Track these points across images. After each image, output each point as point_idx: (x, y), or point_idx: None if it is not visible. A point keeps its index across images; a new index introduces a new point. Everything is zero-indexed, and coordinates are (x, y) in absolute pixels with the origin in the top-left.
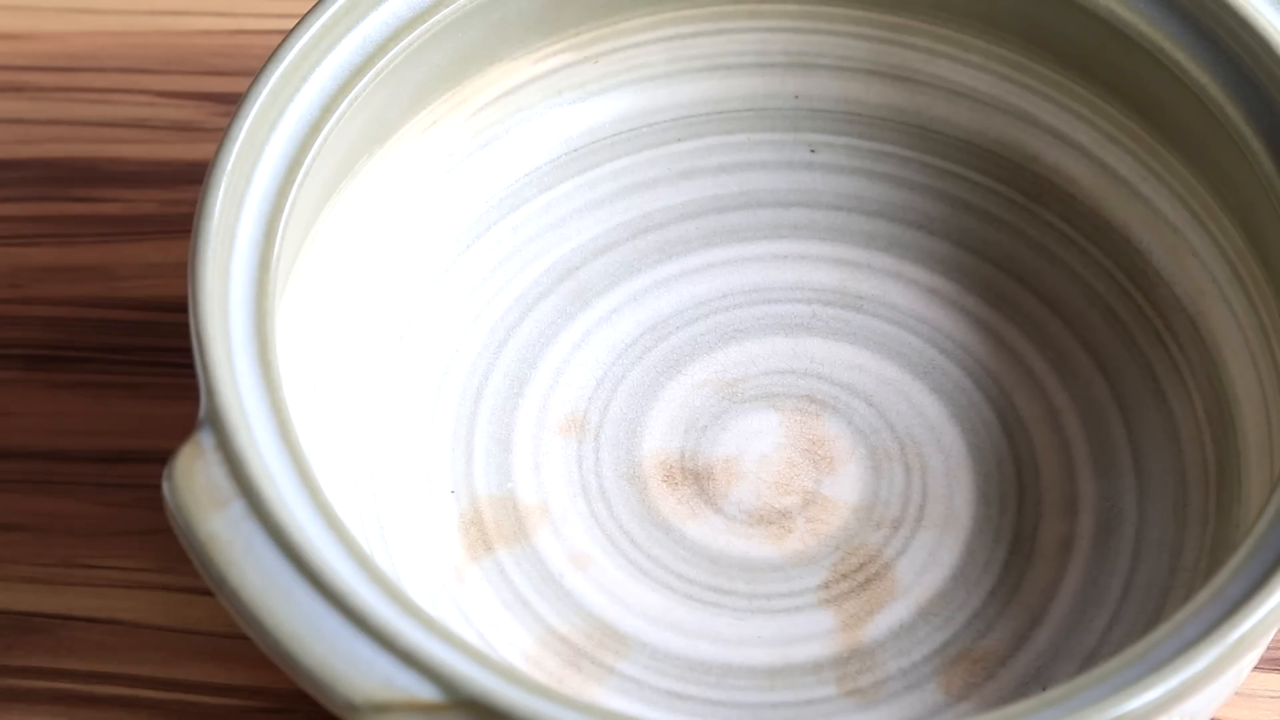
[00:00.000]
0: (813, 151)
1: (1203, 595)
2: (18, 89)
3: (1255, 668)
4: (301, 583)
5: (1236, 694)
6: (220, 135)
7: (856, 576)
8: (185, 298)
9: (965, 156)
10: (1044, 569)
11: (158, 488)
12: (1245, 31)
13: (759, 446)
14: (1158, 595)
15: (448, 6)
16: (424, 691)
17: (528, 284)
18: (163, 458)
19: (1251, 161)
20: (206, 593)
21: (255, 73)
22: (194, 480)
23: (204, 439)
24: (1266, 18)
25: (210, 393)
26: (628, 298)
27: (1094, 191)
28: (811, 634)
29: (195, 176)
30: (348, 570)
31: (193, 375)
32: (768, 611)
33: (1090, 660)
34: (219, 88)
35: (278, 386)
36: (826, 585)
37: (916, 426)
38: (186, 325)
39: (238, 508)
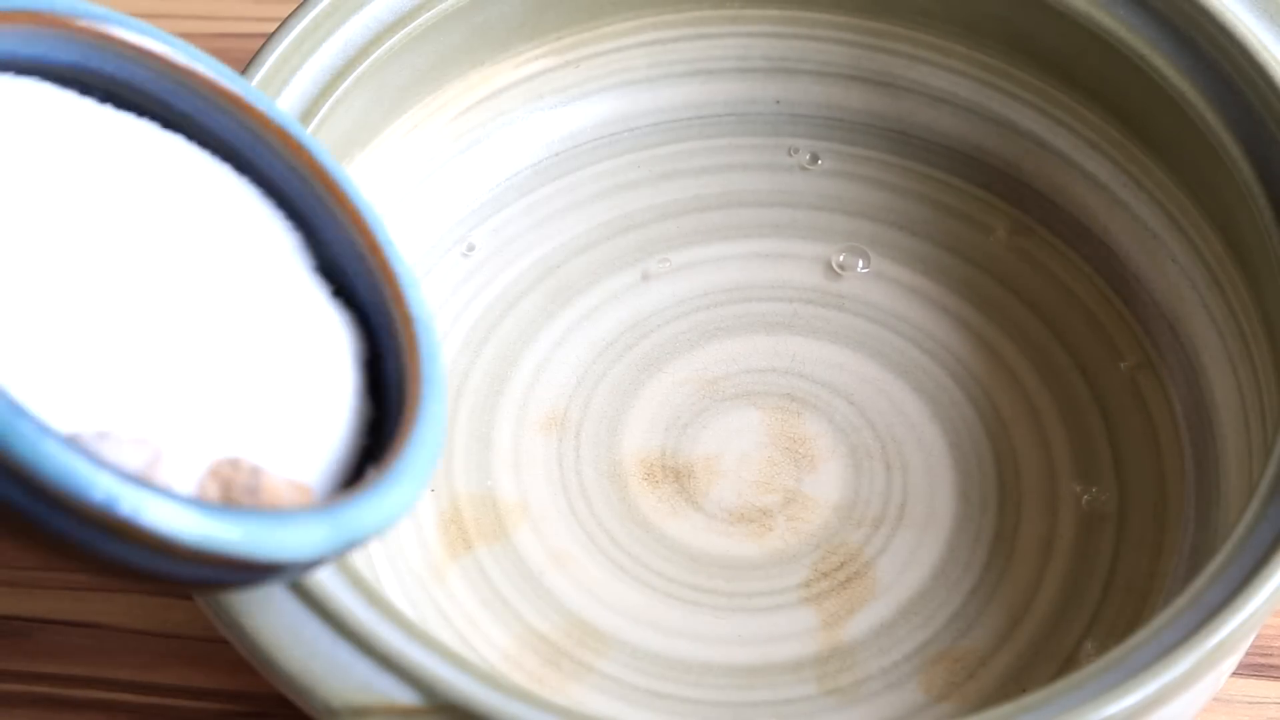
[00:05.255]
0: (793, 155)
1: (1181, 600)
2: None
3: (1233, 673)
4: (280, 586)
5: (1215, 699)
6: None
7: (837, 575)
8: None
9: (947, 162)
10: (1024, 569)
11: None
12: (1225, 38)
13: (740, 444)
14: (1137, 598)
15: (429, 10)
16: (402, 695)
17: (508, 282)
18: None
19: (1230, 168)
20: (186, 596)
21: None
22: None
23: None
24: (1246, 25)
25: None
26: (608, 296)
27: (1074, 197)
28: (792, 632)
29: None
30: (326, 573)
31: None
32: (748, 610)
33: (1069, 661)
34: None
35: None
36: (807, 584)
37: (897, 425)
38: None
39: None
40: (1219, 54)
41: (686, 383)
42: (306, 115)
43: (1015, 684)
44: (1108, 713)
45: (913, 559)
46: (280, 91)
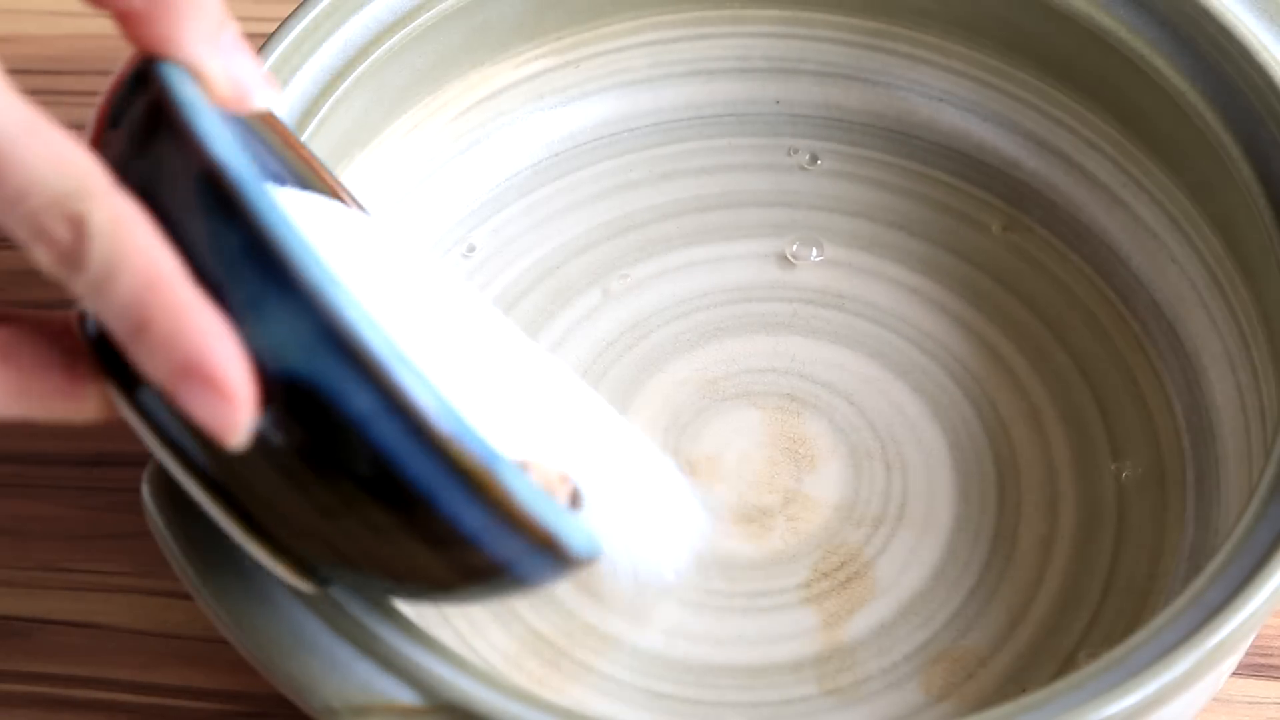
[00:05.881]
0: (793, 155)
1: (1181, 600)
2: None
3: (1233, 673)
4: (280, 587)
5: (1214, 699)
6: None
7: (837, 575)
8: None
9: (946, 162)
10: (1024, 569)
11: (137, 491)
12: (1225, 38)
13: (740, 445)
14: (1136, 598)
15: (429, 10)
16: (403, 696)
17: (508, 283)
18: (142, 461)
19: (1230, 168)
20: (185, 597)
21: None
22: (174, 484)
23: None
24: (1246, 25)
25: None
26: (608, 296)
27: (1074, 197)
28: (792, 633)
29: None
30: None
31: None
32: (748, 610)
33: (1069, 662)
34: None
35: None
36: (807, 584)
37: (897, 425)
38: None
39: None
40: (1219, 54)
41: (686, 383)
42: (306, 115)
43: (1015, 684)
44: (1108, 713)
45: (913, 559)
46: (280, 92)
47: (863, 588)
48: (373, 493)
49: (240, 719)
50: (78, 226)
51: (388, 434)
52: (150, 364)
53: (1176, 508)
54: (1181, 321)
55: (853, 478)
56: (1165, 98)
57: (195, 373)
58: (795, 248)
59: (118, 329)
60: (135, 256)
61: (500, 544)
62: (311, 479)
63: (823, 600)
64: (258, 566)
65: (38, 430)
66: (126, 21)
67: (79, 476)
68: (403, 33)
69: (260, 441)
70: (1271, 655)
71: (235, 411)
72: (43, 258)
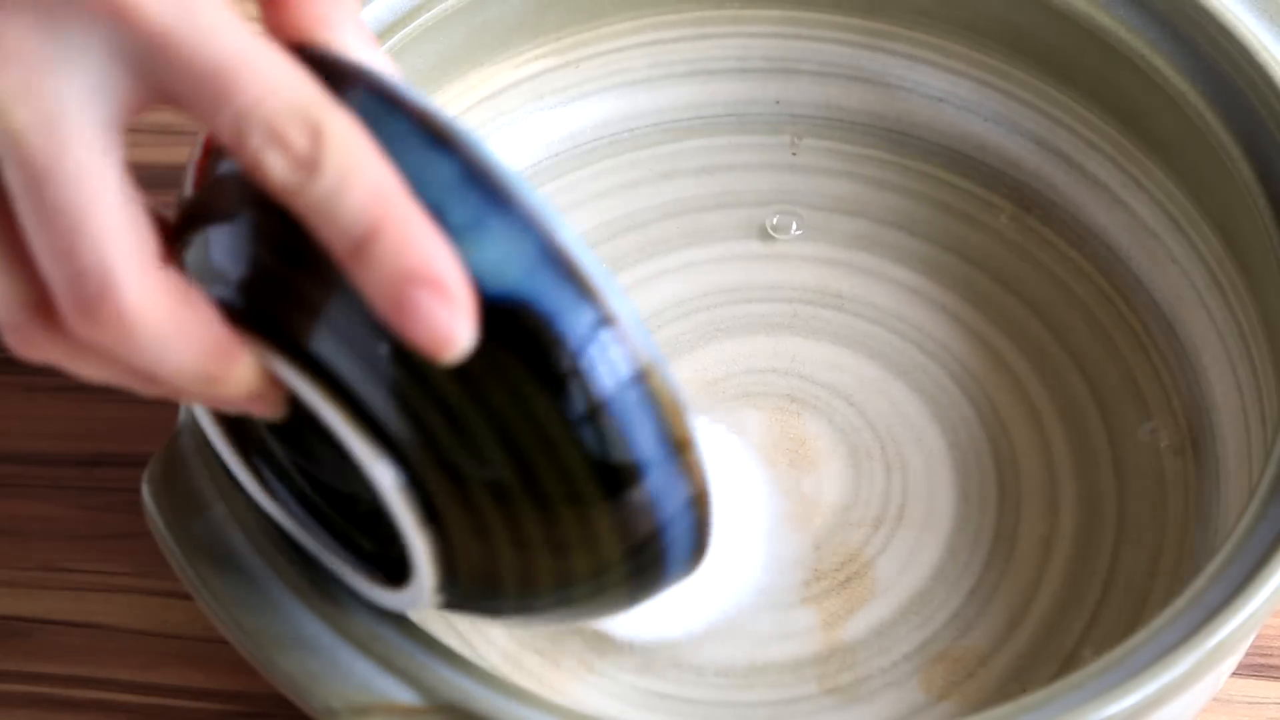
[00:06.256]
0: (794, 155)
1: (1181, 600)
2: None
3: (1233, 673)
4: (281, 587)
5: (1215, 699)
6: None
7: (837, 575)
8: None
9: (946, 162)
10: (1024, 569)
11: (137, 491)
12: (1225, 38)
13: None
14: (1136, 598)
15: (429, 10)
16: (402, 696)
17: None
18: (142, 461)
19: (1230, 168)
20: (185, 597)
21: None
22: (174, 484)
23: (184, 443)
24: (1246, 25)
25: None
26: None
27: (1074, 197)
28: (792, 632)
29: (175, 179)
30: (327, 574)
31: None
32: (748, 610)
33: (1069, 661)
34: None
35: None
36: (807, 584)
37: (897, 425)
38: None
39: (217, 512)
40: (1219, 54)
41: (686, 383)
42: None
43: (1015, 684)
44: (1108, 713)
45: (913, 559)
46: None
47: (862, 588)
48: (572, 427)
49: (240, 719)
50: (317, 132)
51: (600, 357)
52: (376, 273)
53: (1176, 507)
54: (1181, 321)
55: (853, 478)
56: (1165, 98)
57: (424, 278)
58: (776, 220)
59: (343, 239)
60: (368, 166)
61: (669, 493)
62: (511, 411)
63: (822, 600)
64: (259, 566)
65: (37, 430)
66: (275, 6)
67: (79, 476)
68: (403, 33)
69: (462, 372)
70: (1271, 655)
71: (460, 318)
72: (276, 164)
